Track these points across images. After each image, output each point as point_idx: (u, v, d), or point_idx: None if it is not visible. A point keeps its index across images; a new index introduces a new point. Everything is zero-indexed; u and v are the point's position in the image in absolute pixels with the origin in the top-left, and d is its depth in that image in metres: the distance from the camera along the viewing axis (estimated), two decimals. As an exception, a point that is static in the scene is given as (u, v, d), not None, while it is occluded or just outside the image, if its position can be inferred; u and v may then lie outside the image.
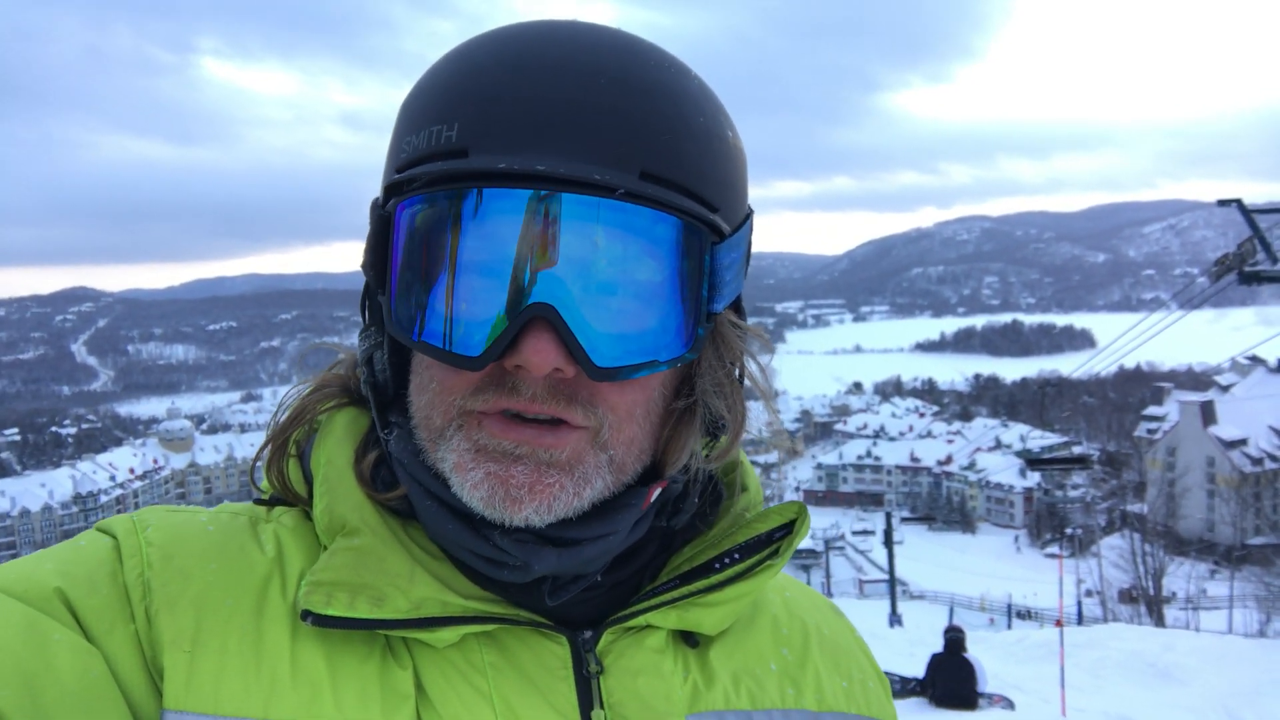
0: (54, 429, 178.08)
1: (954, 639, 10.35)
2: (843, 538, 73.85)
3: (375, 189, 0.77)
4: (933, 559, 67.50)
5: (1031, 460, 35.64)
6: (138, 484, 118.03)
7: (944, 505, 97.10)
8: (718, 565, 0.83)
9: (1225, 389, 78.33)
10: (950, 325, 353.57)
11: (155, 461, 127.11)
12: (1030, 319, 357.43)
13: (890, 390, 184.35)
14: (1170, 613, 34.16)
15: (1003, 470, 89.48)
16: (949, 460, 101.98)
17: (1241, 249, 16.02)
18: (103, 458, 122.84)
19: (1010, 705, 10.03)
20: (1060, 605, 12.74)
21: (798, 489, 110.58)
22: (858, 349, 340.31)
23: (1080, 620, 29.60)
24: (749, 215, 0.80)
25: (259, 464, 0.85)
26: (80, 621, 0.66)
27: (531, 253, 0.66)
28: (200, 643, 0.67)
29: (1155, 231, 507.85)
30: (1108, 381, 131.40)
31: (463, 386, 0.71)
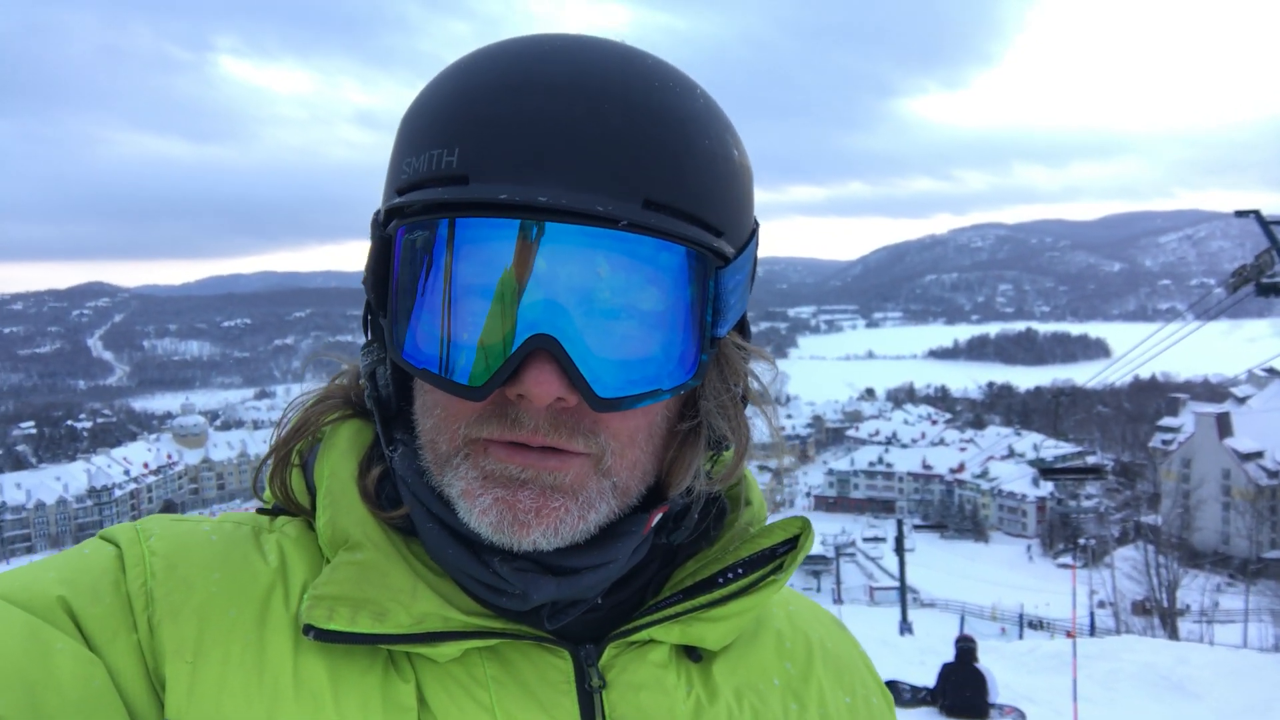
0: (69, 423, 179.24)
1: (965, 648, 10.31)
2: (853, 544, 73.38)
3: (389, 190, 0.76)
4: (944, 567, 67.05)
5: (1045, 470, 35.52)
6: (152, 479, 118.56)
7: (956, 513, 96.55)
8: (721, 580, 0.83)
9: (1242, 401, 77.57)
10: (964, 333, 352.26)
11: (169, 457, 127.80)
12: (1045, 327, 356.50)
13: (903, 397, 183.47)
14: (1184, 625, 33.90)
15: (1016, 479, 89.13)
16: (961, 468, 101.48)
17: (1259, 260, 15.92)
18: (117, 452, 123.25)
19: (1021, 716, 9.96)
20: (1073, 616, 12.62)
21: (809, 494, 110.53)
22: (870, 355, 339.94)
23: (1093, 631, 29.41)
24: (754, 230, 0.79)
25: (262, 473, 0.85)
26: (83, 630, 0.66)
27: (533, 283, 0.65)
28: (203, 653, 0.67)
29: (1172, 241, 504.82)
30: (1122, 391, 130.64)
31: (467, 414, 0.70)
